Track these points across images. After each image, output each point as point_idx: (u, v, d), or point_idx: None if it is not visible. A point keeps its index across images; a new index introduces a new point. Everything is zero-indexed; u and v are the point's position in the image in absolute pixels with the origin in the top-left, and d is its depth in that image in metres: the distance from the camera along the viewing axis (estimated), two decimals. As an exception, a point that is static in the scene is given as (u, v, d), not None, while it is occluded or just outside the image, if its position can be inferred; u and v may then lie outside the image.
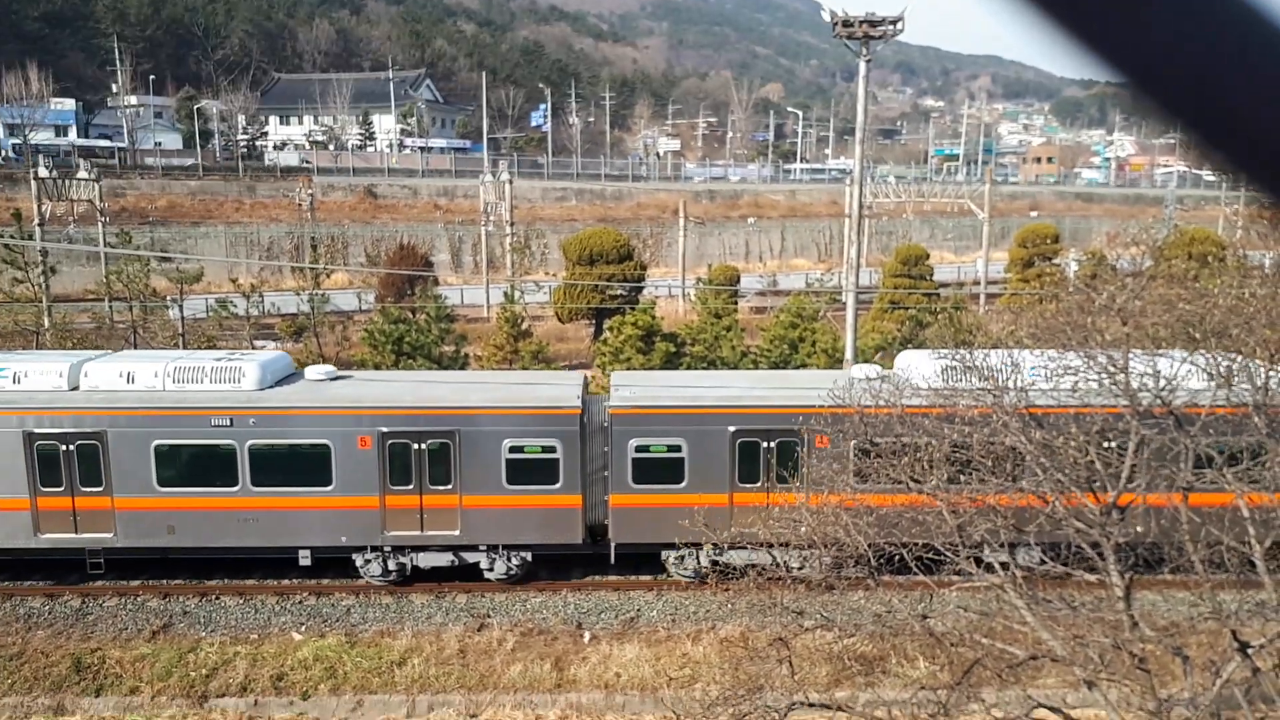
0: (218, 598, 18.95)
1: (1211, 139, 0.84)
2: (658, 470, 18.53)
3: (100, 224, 44.82)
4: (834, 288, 43.56)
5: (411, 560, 18.92)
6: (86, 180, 45.71)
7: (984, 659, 11.14)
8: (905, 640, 14.07)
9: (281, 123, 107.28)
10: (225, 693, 16.04)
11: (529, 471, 18.34)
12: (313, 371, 19.87)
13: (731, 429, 18.46)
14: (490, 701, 15.88)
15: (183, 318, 30.12)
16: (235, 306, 32.77)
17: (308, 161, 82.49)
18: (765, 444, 18.48)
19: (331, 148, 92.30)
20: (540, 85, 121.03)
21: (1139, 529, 13.19)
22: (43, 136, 79.78)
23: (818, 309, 32.67)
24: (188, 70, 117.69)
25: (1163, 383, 11.80)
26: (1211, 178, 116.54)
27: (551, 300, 42.80)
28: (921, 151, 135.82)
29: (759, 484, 18.50)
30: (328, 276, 48.42)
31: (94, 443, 18.13)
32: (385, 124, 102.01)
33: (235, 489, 18.31)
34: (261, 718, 15.77)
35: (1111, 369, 11.81)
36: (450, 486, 18.41)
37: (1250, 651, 9.85)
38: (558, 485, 18.40)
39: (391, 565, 18.99)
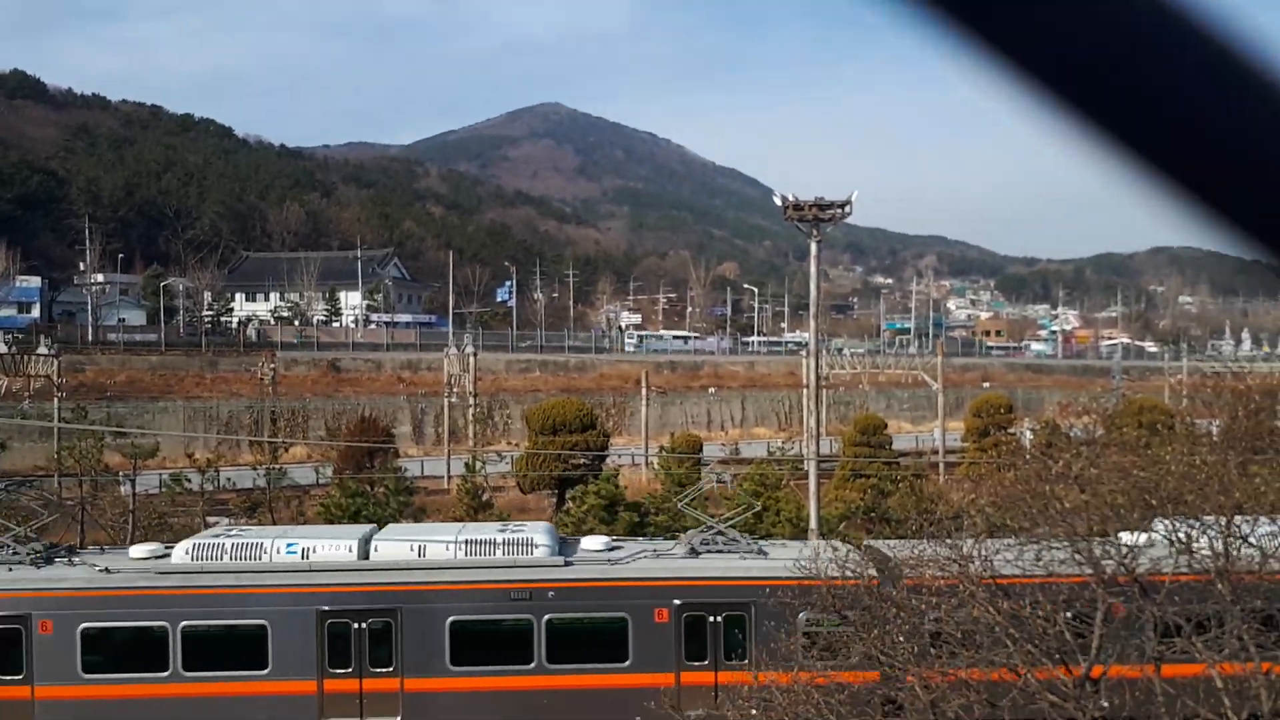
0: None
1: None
2: None
3: (56, 399, 44.36)
4: (795, 456, 43.82)
5: None
6: (46, 356, 45.60)
7: None
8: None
9: (248, 299, 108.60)
10: None
11: None
12: None
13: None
14: None
15: (134, 493, 29.42)
16: (190, 482, 32.11)
17: (270, 338, 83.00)
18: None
19: (297, 323, 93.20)
20: (505, 264, 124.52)
21: (1116, 701, 12.89)
22: (5, 313, 79.88)
23: (780, 476, 32.70)
24: (157, 249, 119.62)
25: (1124, 550, 11.86)
26: (1154, 349, 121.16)
27: (513, 470, 42.40)
28: (874, 325, 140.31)
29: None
30: (286, 450, 47.77)
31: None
32: (352, 300, 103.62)
33: None
34: None
35: (1074, 536, 11.88)
36: None
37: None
38: None
39: None
